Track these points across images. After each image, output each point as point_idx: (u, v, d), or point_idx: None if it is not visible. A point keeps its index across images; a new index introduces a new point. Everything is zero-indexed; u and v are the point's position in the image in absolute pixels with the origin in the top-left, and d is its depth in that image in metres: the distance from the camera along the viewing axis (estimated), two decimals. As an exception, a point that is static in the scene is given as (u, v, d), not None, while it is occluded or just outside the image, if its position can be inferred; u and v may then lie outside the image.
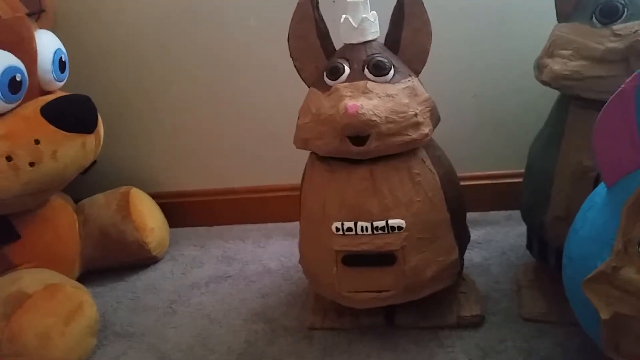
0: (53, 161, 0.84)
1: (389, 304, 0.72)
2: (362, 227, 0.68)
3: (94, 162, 0.95)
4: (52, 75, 0.88)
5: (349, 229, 0.68)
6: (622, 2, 0.63)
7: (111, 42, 1.09)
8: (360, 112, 0.63)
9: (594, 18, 0.64)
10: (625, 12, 0.62)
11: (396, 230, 0.67)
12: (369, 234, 0.68)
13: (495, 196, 1.03)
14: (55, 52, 0.89)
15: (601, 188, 0.56)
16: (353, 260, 0.69)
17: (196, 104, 1.11)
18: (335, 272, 0.70)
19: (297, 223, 1.09)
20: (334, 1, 0.95)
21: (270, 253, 1.03)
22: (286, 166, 1.11)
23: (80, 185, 1.00)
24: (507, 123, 1.01)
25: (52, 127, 0.83)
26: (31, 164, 0.81)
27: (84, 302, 0.82)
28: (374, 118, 0.64)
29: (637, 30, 0.60)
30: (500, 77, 0.98)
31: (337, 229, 0.69)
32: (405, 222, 0.67)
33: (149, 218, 1.04)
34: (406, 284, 0.69)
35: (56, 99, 0.86)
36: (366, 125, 0.64)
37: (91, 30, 1.09)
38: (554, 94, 0.73)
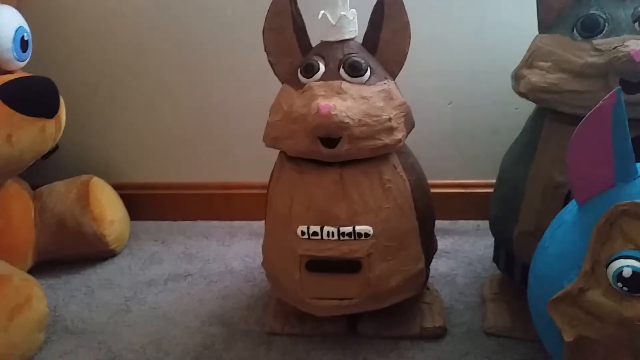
0: (7, 145, 0.79)
1: (352, 312, 0.69)
2: (328, 232, 0.66)
3: (57, 147, 0.92)
4: (12, 54, 0.84)
5: (315, 233, 0.66)
6: (604, 16, 0.62)
7: (80, 23, 1.05)
8: (332, 112, 0.61)
9: (575, 31, 0.63)
10: (606, 27, 0.61)
11: (363, 237, 0.65)
12: (335, 240, 0.66)
13: (466, 205, 1.02)
14: (17, 29, 0.84)
15: (572, 205, 0.54)
16: (317, 265, 0.67)
17: (166, 94, 1.08)
18: (298, 277, 0.68)
19: (263, 222, 1.07)
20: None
21: (234, 252, 1.00)
22: (254, 163, 1.07)
23: (40, 170, 0.96)
24: (482, 132, 1.00)
25: (8, 109, 0.79)
26: (-18, 147, 0.77)
27: (33, 295, 0.77)
28: (346, 120, 0.62)
29: (617, 47, 0.59)
30: (477, 85, 0.97)
31: (303, 233, 0.66)
32: (373, 229, 0.65)
33: (109, 210, 1.00)
34: (370, 293, 0.67)
35: (15, 79, 0.82)
36: (338, 127, 0.62)
37: (59, 9, 1.04)
38: (531, 106, 0.72)
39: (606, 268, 0.46)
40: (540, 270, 0.54)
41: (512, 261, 0.74)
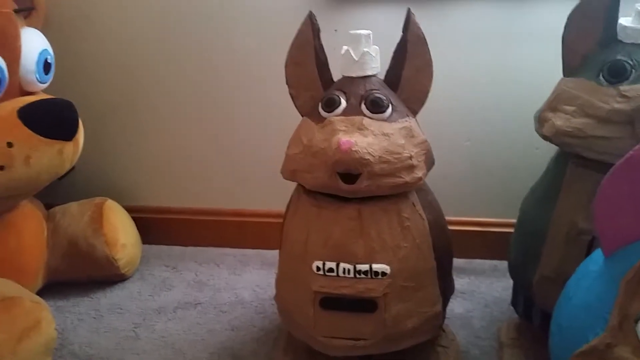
0: (25, 167, 0.79)
1: (366, 354, 0.68)
2: (344, 269, 0.64)
3: (72, 168, 0.92)
4: (35, 76, 0.84)
5: (330, 270, 0.65)
6: (630, 62, 0.61)
7: (101, 48, 1.06)
8: (353, 149, 0.61)
9: (601, 76, 0.62)
10: (633, 73, 0.61)
11: (380, 276, 0.64)
12: (351, 277, 0.64)
13: (482, 244, 1.00)
14: (41, 52, 0.85)
15: (597, 255, 0.53)
16: (332, 303, 0.65)
17: (183, 119, 1.08)
18: (311, 314, 0.66)
19: (275, 252, 1.06)
20: (335, 30, 0.93)
21: (245, 282, 0.99)
22: (269, 191, 1.08)
23: (54, 190, 0.96)
24: (500, 171, 0.99)
25: (28, 130, 0.80)
26: (1, 168, 0.77)
27: (42, 318, 0.76)
28: (367, 156, 0.61)
29: (645, 94, 0.58)
30: (496, 124, 0.97)
31: (318, 269, 0.65)
32: (390, 268, 0.64)
33: (122, 233, 0.99)
34: (386, 334, 0.65)
35: (36, 101, 0.83)
36: (358, 164, 0.61)
37: (82, 34, 1.06)
38: (550, 146, 0.71)
39: (636, 324, 0.45)
40: (563, 320, 0.52)
41: (531, 306, 0.72)
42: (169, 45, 1.04)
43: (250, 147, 1.07)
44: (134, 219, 1.06)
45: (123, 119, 1.10)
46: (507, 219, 0.97)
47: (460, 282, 0.93)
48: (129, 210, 1.06)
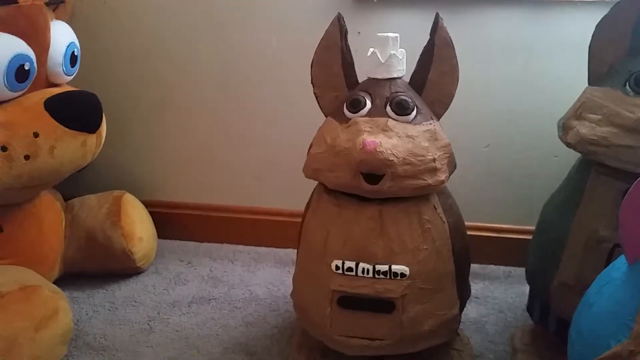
0: (50, 157, 0.80)
1: (381, 354, 0.68)
2: (363, 268, 0.65)
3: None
4: (62, 68, 0.86)
5: (350, 269, 0.65)
6: (658, 73, 0.61)
7: (125, 43, 1.07)
8: (378, 149, 0.61)
9: (627, 85, 0.62)
10: (660, 84, 0.61)
11: (399, 277, 0.64)
12: (370, 277, 0.65)
13: (497, 250, 1.00)
14: (68, 45, 0.86)
15: (620, 263, 0.53)
16: (349, 302, 0.66)
17: (202, 116, 1.09)
18: (328, 312, 0.67)
19: (289, 250, 1.07)
20: (359, 33, 0.93)
21: (259, 279, 1.00)
22: (285, 191, 1.08)
23: (73, 182, 0.97)
24: (518, 178, 0.99)
25: (54, 121, 0.81)
26: (26, 157, 0.78)
27: (60, 308, 0.77)
28: (391, 158, 0.62)
29: (672, 105, 0.58)
30: (515, 130, 0.97)
31: (337, 268, 0.66)
32: (410, 270, 0.64)
33: (139, 227, 1.00)
34: (402, 335, 0.65)
35: (62, 93, 0.84)
36: (383, 164, 0.61)
37: (107, 28, 1.07)
38: (570, 154, 0.71)
39: (659, 332, 0.45)
40: (584, 327, 0.52)
41: (547, 312, 0.72)
42: (193, 42, 1.05)
43: (266, 146, 1.08)
44: (151, 213, 1.07)
45: (144, 114, 1.11)
46: (523, 225, 0.97)
47: (474, 287, 0.93)
48: (146, 204, 1.07)
